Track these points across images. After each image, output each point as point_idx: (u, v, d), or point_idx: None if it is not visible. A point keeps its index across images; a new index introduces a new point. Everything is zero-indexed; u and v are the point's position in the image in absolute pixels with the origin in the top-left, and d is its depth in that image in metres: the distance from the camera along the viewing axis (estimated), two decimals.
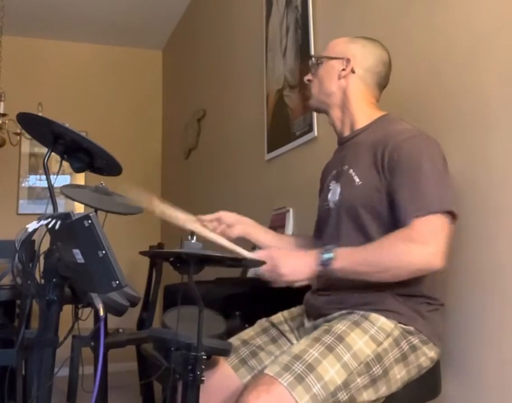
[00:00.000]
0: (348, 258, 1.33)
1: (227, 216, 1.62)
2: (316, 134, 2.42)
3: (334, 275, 1.35)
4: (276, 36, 2.87)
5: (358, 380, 1.26)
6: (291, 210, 2.58)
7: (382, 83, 1.58)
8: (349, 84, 1.54)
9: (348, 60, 1.53)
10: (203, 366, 1.25)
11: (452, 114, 1.64)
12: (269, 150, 2.92)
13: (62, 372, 1.46)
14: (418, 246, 1.28)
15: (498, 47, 1.48)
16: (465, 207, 1.56)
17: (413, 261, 1.29)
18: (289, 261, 1.35)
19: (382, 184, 1.39)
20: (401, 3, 1.89)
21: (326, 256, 1.32)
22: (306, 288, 1.56)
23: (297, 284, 1.37)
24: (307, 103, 1.68)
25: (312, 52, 2.43)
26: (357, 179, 1.44)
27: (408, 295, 1.38)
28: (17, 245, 1.20)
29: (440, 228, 1.30)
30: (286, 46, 2.74)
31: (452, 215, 1.32)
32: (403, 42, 1.86)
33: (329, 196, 1.54)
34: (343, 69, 1.54)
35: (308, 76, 1.63)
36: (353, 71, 1.53)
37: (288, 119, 2.70)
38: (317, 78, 1.60)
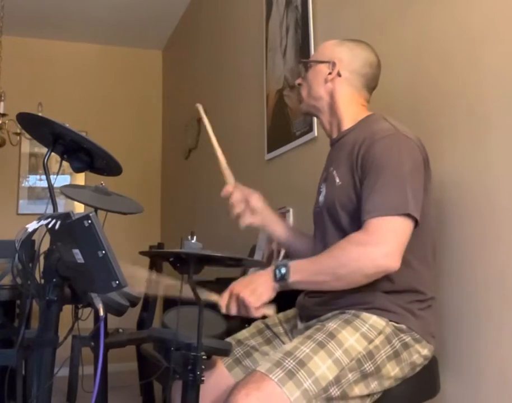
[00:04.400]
0: (303, 271, 1.35)
1: (255, 201, 1.68)
2: (316, 134, 2.42)
3: (293, 288, 1.36)
4: (276, 36, 2.87)
5: (350, 375, 1.27)
6: (291, 210, 2.58)
7: (371, 84, 1.58)
8: (336, 87, 1.54)
9: (333, 64, 1.54)
10: (203, 366, 1.25)
11: (448, 117, 1.64)
12: (269, 150, 2.92)
13: (62, 372, 1.46)
14: (369, 249, 1.28)
15: (494, 51, 1.48)
16: (463, 207, 1.56)
17: (362, 266, 1.29)
18: (250, 288, 1.35)
19: (356, 185, 1.40)
20: (400, 4, 1.90)
21: (281, 271, 1.34)
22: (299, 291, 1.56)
23: (268, 313, 1.37)
24: (299, 107, 1.69)
25: (312, 52, 2.43)
26: (337, 180, 1.46)
27: (398, 291, 1.38)
28: (17, 245, 1.20)
29: (393, 229, 1.29)
30: (286, 46, 2.74)
31: (413, 218, 1.31)
32: (402, 42, 1.87)
33: (319, 198, 1.57)
34: (329, 73, 1.54)
35: (299, 80, 1.64)
36: (339, 75, 1.54)
37: (288, 119, 2.70)
38: (306, 82, 1.61)
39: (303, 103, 1.63)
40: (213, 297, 1.40)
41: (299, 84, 1.64)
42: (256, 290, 1.34)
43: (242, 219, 1.66)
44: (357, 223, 1.37)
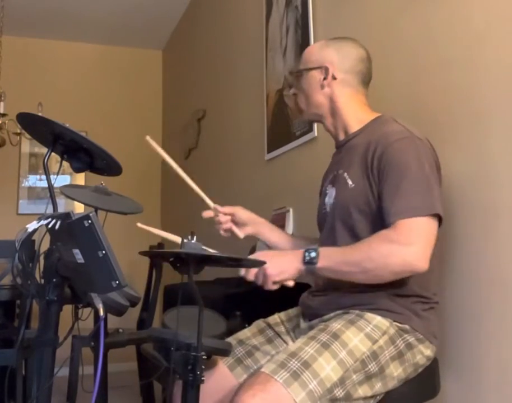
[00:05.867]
0: (331, 258, 1.35)
1: (241, 213, 1.67)
2: (316, 134, 2.42)
3: (317, 274, 1.37)
4: (276, 36, 2.87)
5: (354, 376, 1.27)
6: (291, 210, 2.58)
7: (366, 79, 1.57)
8: (334, 91, 1.53)
9: (326, 69, 1.52)
10: (203, 366, 1.25)
11: (448, 115, 1.64)
12: (269, 150, 2.92)
13: (62, 372, 1.46)
14: (399, 247, 1.28)
15: (494, 48, 1.48)
16: (464, 206, 1.56)
17: (391, 263, 1.29)
18: (275, 261, 1.36)
19: (372, 188, 1.39)
20: (400, 4, 1.90)
21: (310, 255, 1.34)
22: (305, 287, 1.57)
23: (288, 283, 1.38)
24: (300, 116, 1.69)
25: None
26: (350, 182, 1.45)
27: (402, 295, 1.38)
28: (17, 245, 1.20)
29: (424, 230, 1.29)
30: (286, 46, 2.74)
31: (438, 217, 1.32)
32: (402, 42, 1.87)
33: (326, 200, 1.56)
34: (324, 78, 1.53)
35: (293, 90, 1.62)
36: (334, 78, 1.52)
37: (288, 119, 2.70)
38: (301, 92, 1.59)
39: (304, 113, 1.61)
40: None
41: (294, 94, 1.62)
42: (280, 265, 1.36)
43: (237, 231, 1.66)
44: (371, 224, 1.37)
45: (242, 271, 1.40)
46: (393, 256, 1.28)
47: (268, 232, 1.70)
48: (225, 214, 1.66)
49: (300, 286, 1.50)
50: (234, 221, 1.66)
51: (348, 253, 1.35)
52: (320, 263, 1.33)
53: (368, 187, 1.40)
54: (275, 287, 1.37)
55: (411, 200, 1.31)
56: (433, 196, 1.33)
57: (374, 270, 1.30)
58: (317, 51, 1.57)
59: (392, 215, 1.31)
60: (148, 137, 1.58)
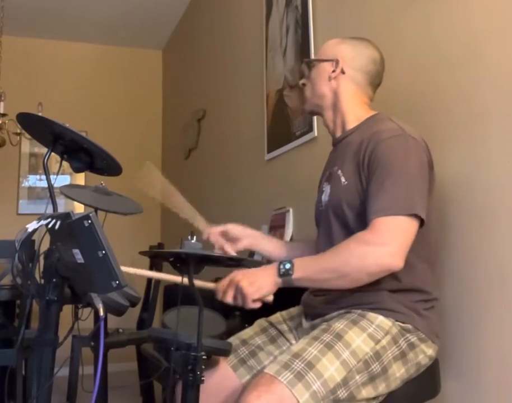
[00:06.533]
0: (307, 267, 1.34)
1: (233, 229, 1.63)
2: (316, 134, 2.42)
3: (295, 285, 1.35)
4: (276, 36, 2.87)
5: (357, 377, 1.27)
6: (291, 210, 2.58)
7: (374, 81, 1.57)
8: (340, 85, 1.54)
9: (337, 61, 1.54)
10: (203, 366, 1.25)
11: (448, 115, 1.64)
12: (269, 150, 2.92)
13: (62, 372, 1.46)
14: (374, 248, 1.28)
15: (494, 48, 1.48)
16: (462, 206, 1.56)
17: (367, 264, 1.29)
18: (251, 279, 1.33)
19: (363, 184, 1.40)
20: (400, 4, 1.90)
21: (285, 266, 1.33)
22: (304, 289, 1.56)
23: (267, 299, 1.35)
24: (302, 107, 1.69)
25: (312, 52, 2.43)
26: (343, 179, 1.46)
27: (404, 290, 1.38)
28: (17, 245, 1.20)
29: (400, 229, 1.29)
30: (286, 46, 2.74)
31: (419, 219, 1.32)
32: (402, 42, 1.87)
33: (322, 197, 1.56)
34: (333, 71, 1.55)
35: (303, 80, 1.64)
36: (343, 72, 1.54)
37: (288, 119, 2.70)
38: (310, 81, 1.61)
39: (307, 102, 1.63)
40: (209, 285, 1.39)
41: (303, 84, 1.64)
42: (256, 281, 1.33)
43: (228, 249, 1.60)
44: (363, 221, 1.36)
45: (219, 295, 1.37)
46: (368, 257, 1.29)
47: (263, 242, 1.67)
48: (218, 232, 1.62)
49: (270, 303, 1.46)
50: (228, 238, 1.62)
51: (323, 260, 1.35)
52: (296, 274, 1.32)
53: (360, 184, 1.41)
54: (256, 305, 1.34)
55: (391, 199, 1.31)
56: (413, 196, 1.32)
57: (351, 274, 1.31)
58: (332, 45, 1.59)
59: (371, 213, 1.32)
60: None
